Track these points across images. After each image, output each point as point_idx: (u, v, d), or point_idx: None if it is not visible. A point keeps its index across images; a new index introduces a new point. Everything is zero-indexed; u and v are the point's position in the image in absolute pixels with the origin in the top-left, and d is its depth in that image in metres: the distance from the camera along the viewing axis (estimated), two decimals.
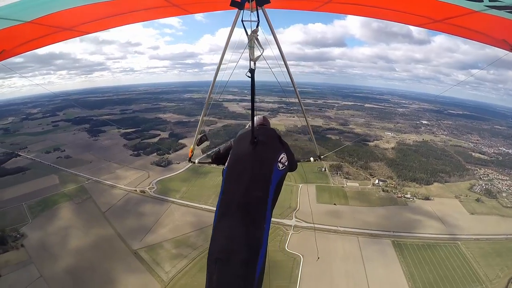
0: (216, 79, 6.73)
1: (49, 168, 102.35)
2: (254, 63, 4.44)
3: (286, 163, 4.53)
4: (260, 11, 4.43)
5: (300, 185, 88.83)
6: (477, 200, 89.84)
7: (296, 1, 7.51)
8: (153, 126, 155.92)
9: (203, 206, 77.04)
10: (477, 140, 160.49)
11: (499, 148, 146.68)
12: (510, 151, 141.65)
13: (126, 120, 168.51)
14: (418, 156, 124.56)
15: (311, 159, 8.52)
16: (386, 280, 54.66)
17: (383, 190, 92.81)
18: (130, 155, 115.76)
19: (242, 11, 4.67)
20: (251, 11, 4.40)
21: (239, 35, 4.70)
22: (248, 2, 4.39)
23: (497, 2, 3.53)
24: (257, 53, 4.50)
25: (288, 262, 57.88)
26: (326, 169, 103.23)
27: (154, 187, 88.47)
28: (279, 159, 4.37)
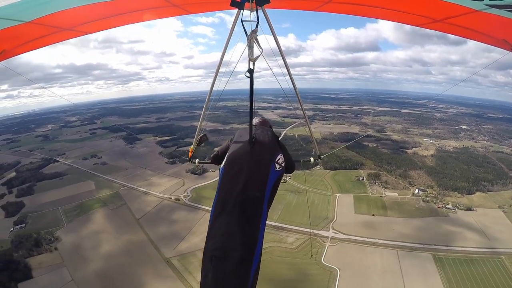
0: (216, 81, 6.65)
1: (86, 174, 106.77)
2: (253, 63, 4.46)
3: (283, 164, 4.56)
4: (260, 11, 4.49)
5: (338, 194, 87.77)
6: None
7: (296, 1, 7.49)
8: (189, 134, 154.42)
9: None
10: None
11: None
12: None
13: (162, 128, 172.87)
14: (458, 164, 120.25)
15: (311, 159, 8.21)
16: None
17: (423, 200, 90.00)
18: (166, 162, 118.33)
19: (242, 11, 4.69)
20: (251, 11, 4.46)
21: (240, 36, 4.69)
22: (248, 2, 4.45)
23: (497, 1, 3.57)
24: (256, 53, 4.52)
25: (324, 276, 56.84)
26: (364, 178, 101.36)
27: (189, 195, 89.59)
28: (276, 160, 4.41)
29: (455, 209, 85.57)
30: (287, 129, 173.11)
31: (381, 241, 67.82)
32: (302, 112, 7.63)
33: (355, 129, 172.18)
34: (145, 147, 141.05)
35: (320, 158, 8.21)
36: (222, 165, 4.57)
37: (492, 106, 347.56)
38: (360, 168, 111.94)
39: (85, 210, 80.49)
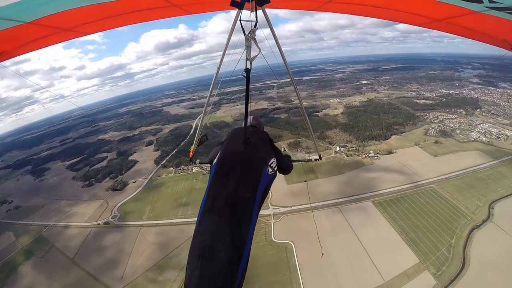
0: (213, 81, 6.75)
1: (0, 226, 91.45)
2: (250, 63, 4.42)
3: (275, 168, 4.61)
4: (260, 11, 4.52)
5: None
6: (436, 142, 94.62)
7: (296, 1, 7.66)
8: (98, 149, 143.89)
9: (174, 221, 71.79)
10: (418, 88, 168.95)
11: (440, 90, 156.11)
12: (450, 91, 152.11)
13: (68, 150, 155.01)
14: (368, 115, 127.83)
15: (312, 159, 8.68)
16: (380, 241, 54.39)
17: (347, 155, 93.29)
18: (82, 187, 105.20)
19: (241, 11, 4.64)
20: (251, 11, 4.43)
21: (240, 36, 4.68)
22: (248, 2, 4.44)
23: (497, 3, 3.55)
24: (253, 53, 4.50)
25: (281, 253, 55.39)
26: (286, 149, 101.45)
27: (117, 215, 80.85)
28: (269, 163, 4.42)
29: (377, 156, 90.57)
30: (197, 119, 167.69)
31: (321, 203, 68.30)
32: (302, 112, 8.30)
33: (263, 104, 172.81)
34: (55, 176, 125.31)
35: (320, 158, 8.75)
36: (214, 163, 4.51)
37: (384, 60, 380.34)
38: (279, 140, 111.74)
39: (12, 269, 66.74)
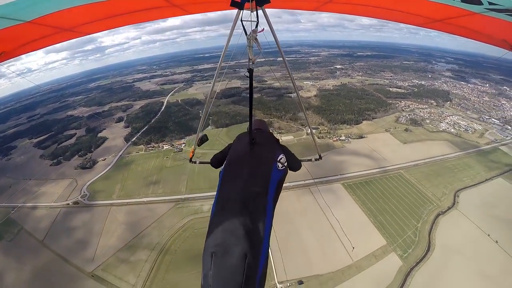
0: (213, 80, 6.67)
1: None
2: (253, 63, 4.39)
3: (285, 164, 4.57)
4: (260, 11, 4.49)
5: None
6: (406, 130, 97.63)
7: (296, 1, 7.57)
8: (66, 126, 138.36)
9: (145, 199, 70.88)
10: (391, 76, 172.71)
11: (412, 80, 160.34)
12: (422, 82, 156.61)
13: (36, 127, 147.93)
14: (341, 99, 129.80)
15: (312, 159, 8.67)
16: (350, 222, 55.42)
17: (318, 137, 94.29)
18: (50, 165, 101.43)
19: (242, 11, 4.62)
20: (251, 11, 4.43)
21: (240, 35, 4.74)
22: (248, 2, 4.42)
23: (497, 5, 3.55)
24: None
25: None
26: None
27: (86, 194, 78.71)
28: (278, 159, 4.38)
29: (348, 140, 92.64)
30: (169, 95, 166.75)
31: (292, 184, 68.64)
32: (302, 112, 7.92)
33: (236, 83, 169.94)
34: (23, 155, 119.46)
35: (320, 158, 8.67)
36: (222, 168, 4.50)
37: (360, 46, 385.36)
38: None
39: None
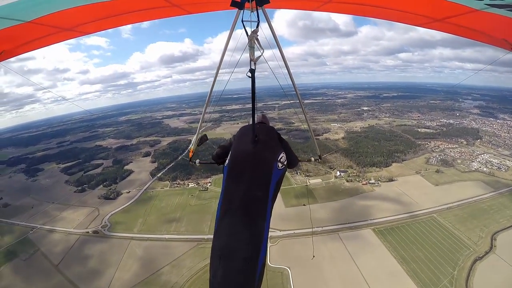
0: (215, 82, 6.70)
1: None
2: (255, 63, 4.44)
3: (285, 163, 4.67)
4: (260, 11, 4.48)
5: None
6: (437, 171, 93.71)
7: (296, 1, 7.71)
8: (94, 155, 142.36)
9: (166, 236, 69.33)
10: (418, 116, 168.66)
11: (440, 120, 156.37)
12: (450, 121, 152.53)
13: (64, 153, 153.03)
14: (369, 141, 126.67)
15: (312, 158, 8.62)
16: (381, 271, 52.52)
17: (347, 181, 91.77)
18: (74, 191, 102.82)
19: (242, 11, 4.66)
20: (251, 11, 4.44)
21: (239, 36, 4.86)
22: (248, 2, 4.44)
23: (498, 0, 3.55)
24: (257, 53, 4.52)
25: (276, 279, 52.99)
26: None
27: (107, 224, 78.20)
28: (278, 159, 4.47)
29: (378, 183, 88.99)
30: (196, 134, 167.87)
31: (320, 229, 66.36)
32: (303, 113, 8.03)
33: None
34: (48, 178, 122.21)
35: (320, 158, 8.56)
36: (225, 165, 4.55)
37: (385, 87, 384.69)
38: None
39: None
